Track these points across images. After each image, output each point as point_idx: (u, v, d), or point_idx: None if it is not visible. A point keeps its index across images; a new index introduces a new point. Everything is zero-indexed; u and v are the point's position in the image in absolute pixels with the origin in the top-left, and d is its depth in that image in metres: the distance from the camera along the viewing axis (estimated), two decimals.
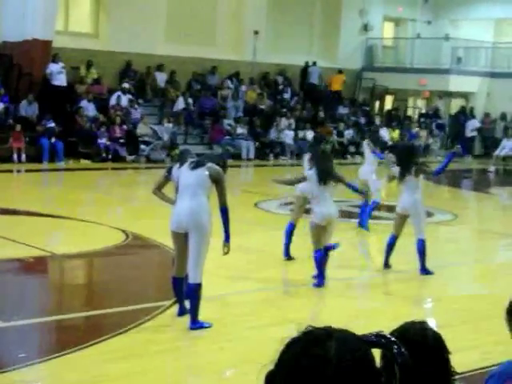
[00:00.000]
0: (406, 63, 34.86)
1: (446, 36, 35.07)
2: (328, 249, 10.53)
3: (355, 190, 11.31)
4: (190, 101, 27.39)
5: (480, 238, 16.48)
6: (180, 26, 28.33)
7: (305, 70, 31.98)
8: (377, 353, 1.93)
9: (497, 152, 29.50)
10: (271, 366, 1.71)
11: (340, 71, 32.83)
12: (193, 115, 27.16)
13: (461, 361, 6.92)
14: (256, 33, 30.22)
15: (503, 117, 32.85)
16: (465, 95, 34.48)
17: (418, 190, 11.38)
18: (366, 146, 15.21)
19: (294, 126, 28.69)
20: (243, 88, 29.66)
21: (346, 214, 16.93)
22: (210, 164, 8.62)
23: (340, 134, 29.88)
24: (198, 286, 8.39)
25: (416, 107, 36.11)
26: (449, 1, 36.28)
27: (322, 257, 10.41)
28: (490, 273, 12.91)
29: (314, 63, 31.80)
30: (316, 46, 33.08)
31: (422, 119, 34.13)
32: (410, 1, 36.05)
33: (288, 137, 28.05)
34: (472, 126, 32.48)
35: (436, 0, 36.81)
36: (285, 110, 29.39)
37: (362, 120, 32.07)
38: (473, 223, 18.00)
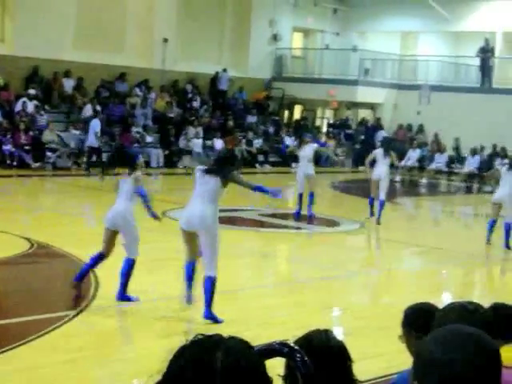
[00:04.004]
0: (314, 74, 35.25)
1: (354, 47, 35.61)
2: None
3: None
4: (98, 108, 27.08)
5: (385, 247, 16.72)
6: (88, 32, 28.00)
7: (215, 79, 32.05)
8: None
9: (402, 162, 30.02)
10: (159, 377, 1.68)
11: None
12: (101, 122, 26.83)
13: (366, 368, 7.00)
14: (165, 41, 30.13)
15: (409, 128, 33.49)
16: (372, 106, 35.05)
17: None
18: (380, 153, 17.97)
19: (202, 135, 28.65)
20: (152, 96, 29.49)
21: (256, 224, 16.99)
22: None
23: (249, 143, 29.97)
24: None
25: (325, 117, 36.53)
26: (357, 13, 36.84)
27: None
28: (395, 281, 13.10)
29: (225, 70, 31.89)
30: (226, 55, 33.15)
31: (331, 129, 34.53)
32: (319, 12, 36.45)
33: (196, 145, 28.01)
34: (380, 137, 32.99)
35: (344, 12, 37.34)
36: (193, 118, 29.32)
37: (271, 129, 32.26)
38: (378, 232, 18.25)
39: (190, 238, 9.38)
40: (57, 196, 20.47)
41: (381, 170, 17.76)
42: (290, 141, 30.75)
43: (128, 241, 9.79)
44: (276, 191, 10.14)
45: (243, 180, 9.71)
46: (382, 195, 17.68)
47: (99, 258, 9.91)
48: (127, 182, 9.96)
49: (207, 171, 9.30)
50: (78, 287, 9.88)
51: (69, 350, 8.08)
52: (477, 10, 34.25)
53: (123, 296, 9.75)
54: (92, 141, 24.73)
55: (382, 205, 17.66)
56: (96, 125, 24.80)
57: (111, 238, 9.87)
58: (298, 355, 1.90)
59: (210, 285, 9.10)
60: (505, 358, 2.07)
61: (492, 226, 15.63)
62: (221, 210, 12.74)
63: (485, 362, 1.92)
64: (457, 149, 31.45)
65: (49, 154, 24.39)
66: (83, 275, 9.95)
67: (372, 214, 18.04)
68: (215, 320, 9.14)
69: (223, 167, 9.33)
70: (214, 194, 9.24)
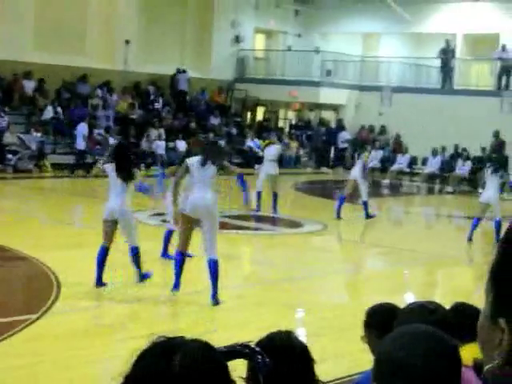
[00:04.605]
0: (277, 75, 35.26)
1: (316, 49, 35.69)
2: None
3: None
4: (59, 109, 26.88)
5: (348, 247, 16.78)
6: (49, 33, 27.78)
7: (173, 80, 31.90)
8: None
9: None
10: (121, 379, 1.67)
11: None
12: (62, 124, 26.65)
13: (329, 369, 7.01)
14: (127, 42, 29.98)
15: (371, 129, 33.62)
16: (335, 107, 35.14)
17: (496, 187, 16.26)
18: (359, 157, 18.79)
19: (164, 136, 28.53)
20: (114, 97, 29.33)
21: (219, 225, 16.93)
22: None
23: None
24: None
25: (287, 118, 36.58)
26: (319, 15, 36.93)
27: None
28: (358, 282, 13.15)
29: (184, 70, 31.78)
30: (188, 56, 33.07)
31: (293, 130, 34.60)
32: (281, 14, 36.51)
33: (160, 147, 27.88)
34: (343, 138, 33.10)
35: (306, 13, 37.42)
36: (156, 119, 29.19)
37: (234, 131, 32.23)
38: (342, 233, 18.32)
39: (191, 225, 10.33)
40: (17, 199, 20.28)
41: (355, 170, 18.62)
42: (254, 142, 30.80)
43: (127, 230, 10.63)
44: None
45: (231, 167, 11.11)
46: (364, 196, 18.61)
47: (103, 251, 10.59)
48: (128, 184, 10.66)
49: (205, 161, 10.14)
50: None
51: (29, 354, 7.99)
52: (438, 12, 34.51)
53: (143, 276, 10.71)
54: (80, 143, 25.37)
55: (365, 204, 18.59)
56: (83, 128, 25.50)
57: (112, 229, 10.62)
58: (259, 356, 1.90)
59: (216, 267, 10.15)
60: (464, 357, 2.08)
61: (476, 224, 16.44)
62: None
63: (442, 360, 1.92)
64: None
65: (9, 156, 24.15)
66: (100, 276, 10.52)
67: (338, 215, 18.46)
68: (218, 302, 10.11)
69: (218, 156, 10.44)
70: (212, 181, 10.28)
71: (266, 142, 19.86)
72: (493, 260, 1.36)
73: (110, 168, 10.69)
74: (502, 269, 1.33)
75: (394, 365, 1.91)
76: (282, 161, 25.96)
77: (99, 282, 10.51)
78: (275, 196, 18.41)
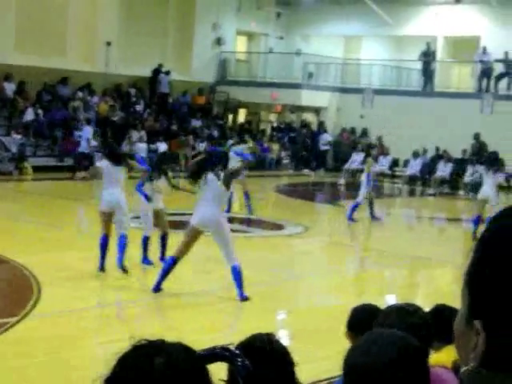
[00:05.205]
0: (258, 77, 35.27)
1: (298, 51, 35.72)
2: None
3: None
4: (40, 112, 26.77)
5: (330, 249, 16.80)
6: (30, 35, 27.66)
7: (153, 79, 31.80)
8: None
9: (346, 165, 30.17)
10: (101, 382, 1.66)
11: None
12: (43, 127, 26.55)
13: (310, 371, 7.01)
14: (108, 44, 29.91)
15: (352, 131, 33.68)
16: (316, 110, 35.17)
17: (495, 184, 16.98)
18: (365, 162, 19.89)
19: (145, 139, 28.47)
20: (95, 99, 29.25)
21: None
22: None
23: (191, 147, 29.86)
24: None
25: (269, 121, 36.59)
26: (301, 17, 36.97)
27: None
28: (340, 284, 13.15)
29: (166, 72, 31.67)
30: (170, 58, 32.99)
31: (275, 133, 34.61)
32: (263, 16, 36.53)
33: (141, 149, 27.81)
34: (324, 140, 33.13)
35: (288, 16, 37.45)
36: (137, 121, 29.12)
37: (216, 133, 32.21)
38: (323, 235, 18.34)
39: (198, 237, 10.73)
40: None
41: (362, 175, 19.76)
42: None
43: (120, 218, 11.44)
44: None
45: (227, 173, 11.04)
46: (359, 198, 19.13)
47: (105, 240, 11.53)
48: (121, 170, 11.65)
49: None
50: None
51: (10, 357, 7.96)
52: (418, 15, 34.67)
53: (121, 266, 11.36)
54: (84, 147, 25.85)
55: (356, 206, 19.10)
56: (88, 132, 26.16)
57: (109, 219, 11.54)
58: (239, 359, 1.90)
59: (239, 272, 10.52)
60: (444, 359, 2.10)
61: (478, 221, 16.83)
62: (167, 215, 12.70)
63: (406, 367, 1.94)
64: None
65: None
66: (103, 260, 11.47)
67: (373, 215, 19.64)
68: (246, 298, 10.52)
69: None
70: (218, 195, 10.64)
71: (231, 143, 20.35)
72: (469, 260, 1.36)
73: (102, 163, 11.81)
74: (478, 269, 1.33)
75: (359, 371, 1.92)
76: (263, 163, 25.99)
77: (102, 268, 11.49)
78: (247, 195, 18.52)
